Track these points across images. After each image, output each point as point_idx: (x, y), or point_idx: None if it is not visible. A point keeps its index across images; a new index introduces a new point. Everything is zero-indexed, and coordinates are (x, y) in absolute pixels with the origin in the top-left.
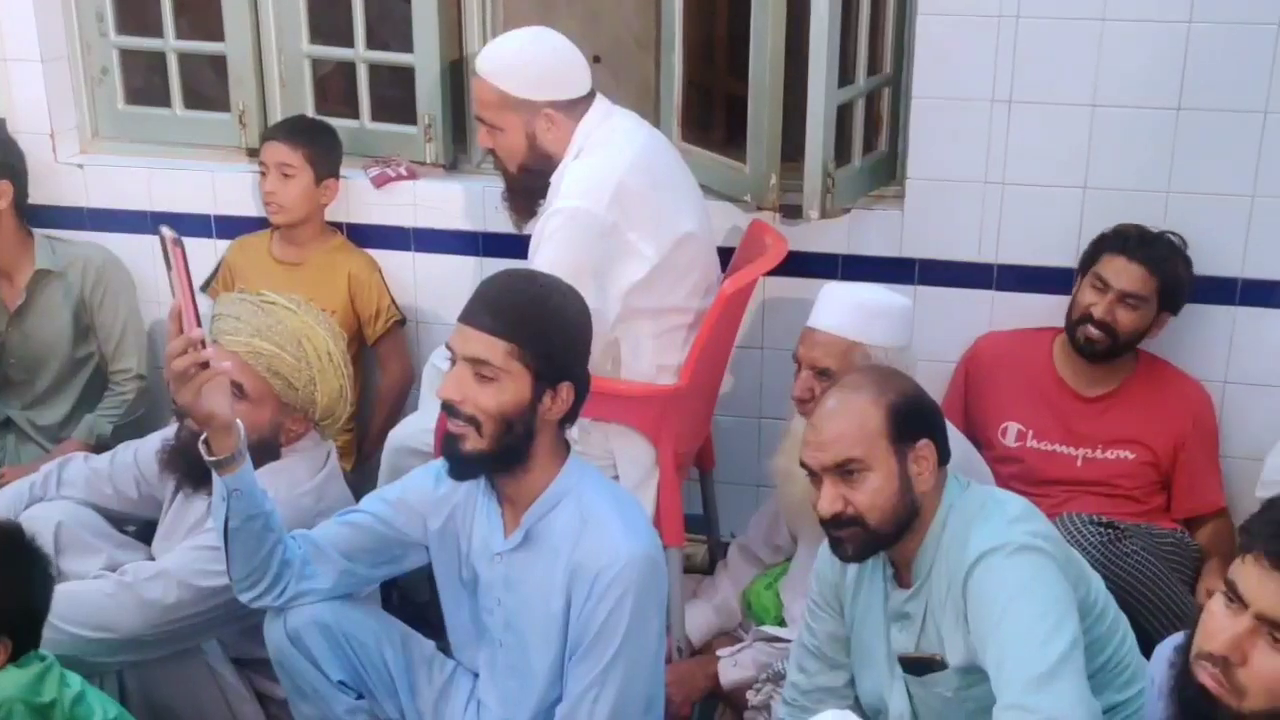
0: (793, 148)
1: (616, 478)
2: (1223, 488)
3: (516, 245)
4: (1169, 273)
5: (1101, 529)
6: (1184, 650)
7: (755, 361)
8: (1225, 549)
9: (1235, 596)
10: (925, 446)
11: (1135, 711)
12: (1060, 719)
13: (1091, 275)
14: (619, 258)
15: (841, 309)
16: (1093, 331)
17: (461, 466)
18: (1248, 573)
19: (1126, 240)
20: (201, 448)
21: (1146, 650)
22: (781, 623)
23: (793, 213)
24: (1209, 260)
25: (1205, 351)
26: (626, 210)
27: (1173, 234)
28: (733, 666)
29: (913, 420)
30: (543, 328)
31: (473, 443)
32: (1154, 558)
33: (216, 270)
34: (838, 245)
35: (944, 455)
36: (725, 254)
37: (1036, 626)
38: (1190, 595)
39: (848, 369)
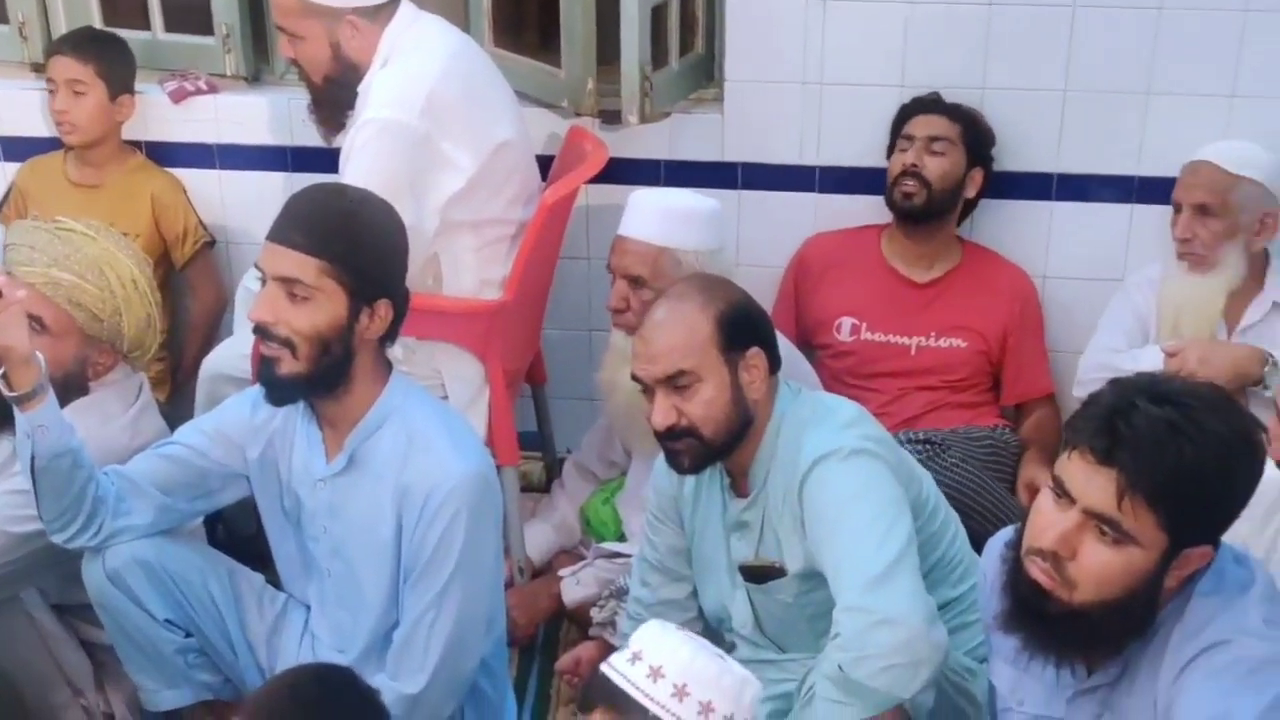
0: (609, 50)
1: (445, 397)
2: (1050, 374)
3: (327, 159)
4: (969, 119)
5: (920, 445)
6: (1014, 546)
7: (582, 272)
8: (1050, 438)
9: (1063, 492)
10: (756, 355)
11: (969, 606)
12: (897, 618)
13: (899, 140)
14: (434, 169)
15: (649, 215)
16: (908, 184)
17: (278, 391)
18: (1074, 468)
19: (923, 100)
20: (0, 384)
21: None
22: (622, 538)
23: (612, 118)
24: (1025, 157)
25: (1024, 247)
26: (439, 119)
27: None
28: (575, 585)
29: (742, 329)
30: (356, 243)
31: (288, 365)
32: (972, 466)
33: (7, 195)
34: (659, 150)
35: (774, 363)
36: (545, 162)
37: (871, 529)
38: (1011, 494)
39: (659, 276)
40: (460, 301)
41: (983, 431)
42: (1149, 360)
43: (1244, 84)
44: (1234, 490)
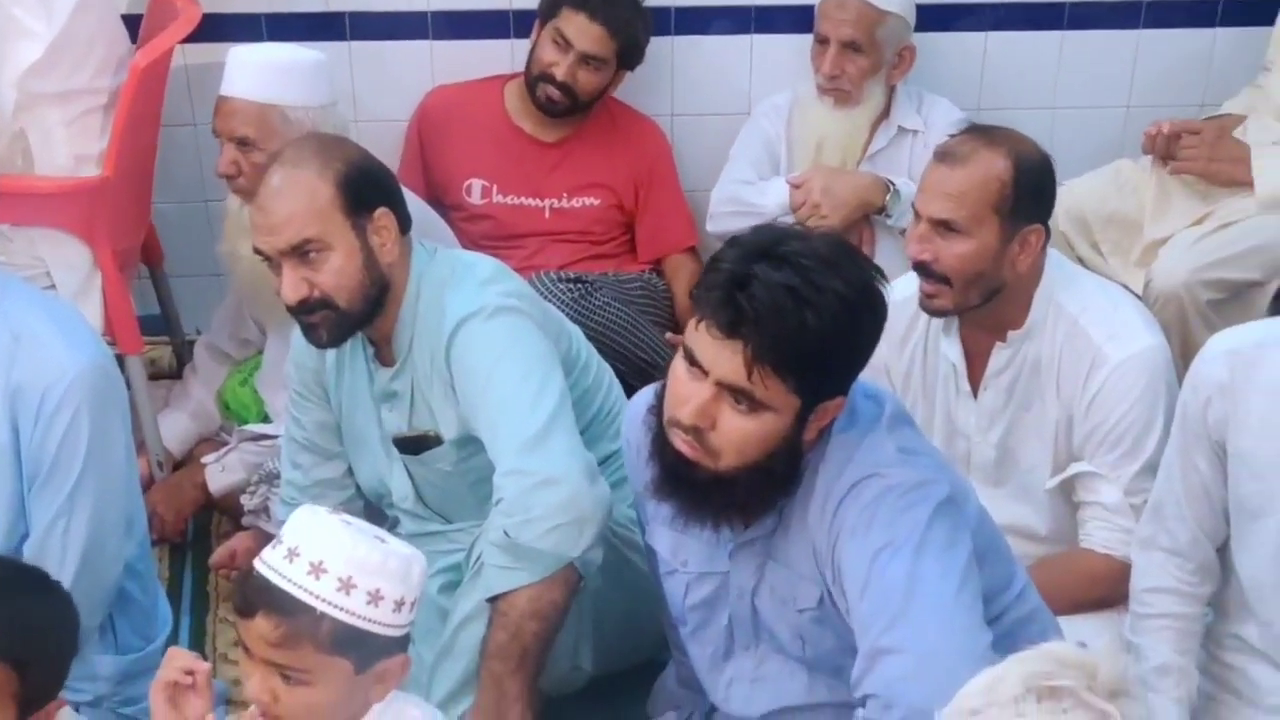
0: None
1: (52, 287)
2: (693, 225)
3: None
4: (630, 35)
5: (571, 285)
6: (657, 413)
7: (189, 140)
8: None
9: (694, 362)
10: (384, 215)
11: None
12: (557, 477)
13: (552, 29)
14: (4, 38)
15: (250, 72)
16: (553, 92)
17: None
18: (702, 341)
19: None
20: None
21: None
22: (265, 419)
23: None
24: None
25: (649, 85)
26: None
27: None
28: (220, 472)
29: (365, 189)
30: None
31: None
32: (624, 306)
33: None
34: (257, 3)
35: (405, 222)
36: (133, 24)
37: (523, 389)
38: (661, 335)
39: (269, 136)
40: (55, 181)
41: (631, 275)
42: (775, 192)
43: None
44: (859, 345)
